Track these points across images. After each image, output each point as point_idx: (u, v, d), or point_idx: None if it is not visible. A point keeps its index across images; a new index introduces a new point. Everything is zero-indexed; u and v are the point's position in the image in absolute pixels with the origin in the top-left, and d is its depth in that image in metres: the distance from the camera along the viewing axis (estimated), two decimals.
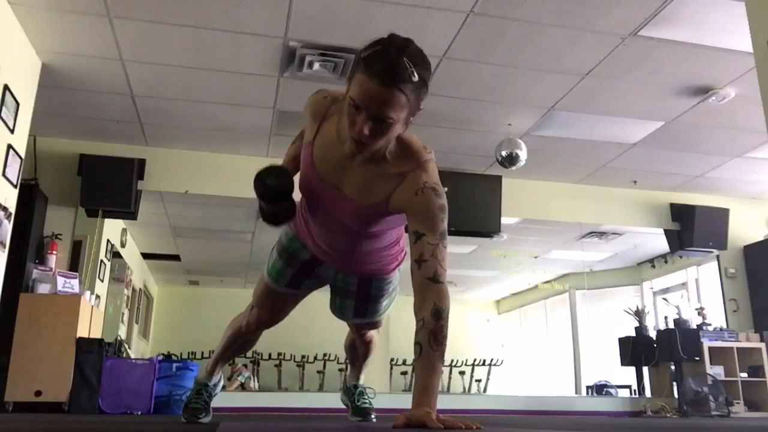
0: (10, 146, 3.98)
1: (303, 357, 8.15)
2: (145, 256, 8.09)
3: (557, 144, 5.65)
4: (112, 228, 6.03)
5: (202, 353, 7.29)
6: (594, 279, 8.24)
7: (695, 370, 5.95)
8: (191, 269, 9.09)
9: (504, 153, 5.21)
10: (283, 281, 1.99)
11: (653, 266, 7.96)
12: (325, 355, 8.03)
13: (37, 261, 4.93)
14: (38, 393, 4.36)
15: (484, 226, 6.20)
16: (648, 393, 6.50)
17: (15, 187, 4.15)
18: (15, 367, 4.38)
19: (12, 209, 4.11)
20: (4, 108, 3.81)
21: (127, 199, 5.39)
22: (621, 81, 4.54)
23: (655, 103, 4.86)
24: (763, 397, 5.94)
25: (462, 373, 8.99)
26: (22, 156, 4.20)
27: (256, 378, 7.85)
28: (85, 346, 4.57)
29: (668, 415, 5.98)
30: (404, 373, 7.77)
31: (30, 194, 4.85)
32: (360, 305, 2.01)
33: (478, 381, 8.99)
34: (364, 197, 1.60)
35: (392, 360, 7.17)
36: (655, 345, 6.43)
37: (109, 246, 5.95)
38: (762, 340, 6.10)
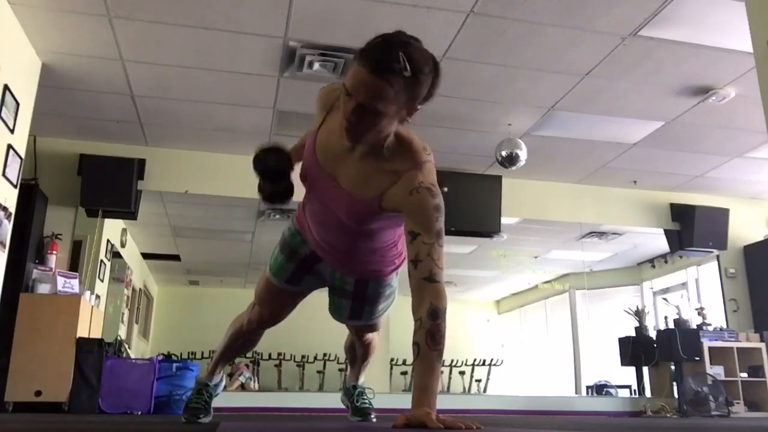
0: (10, 146, 3.98)
1: (303, 357, 8.15)
2: (145, 256, 8.09)
3: (557, 144, 5.65)
4: (112, 228, 6.03)
5: (202, 353, 7.29)
6: (594, 279, 8.25)
7: (695, 370, 5.95)
8: (191, 269, 9.09)
9: (504, 153, 5.22)
10: (284, 276, 1.99)
11: (653, 266, 7.96)
12: (325, 355, 8.04)
13: (37, 261, 4.93)
14: (38, 393, 4.36)
15: (484, 226, 6.21)
16: (648, 393, 6.50)
17: (15, 187, 4.15)
18: (15, 367, 4.38)
19: (12, 209, 4.11)
20: (4, 108, 3.81)
21: (127, 199, 5.39)
22: (621, 81, 4.54)
23: (655, 103, 4.86)
24: (763, 397, 5.94)
25: (462, 373, 8.99)
26: (22, 156, 4.20)
27: (256, 378, 7.85)
28: (85, 346, 4.57)
29: (668, 415, 5.98)
30: (404, 373, 7.77)
31: (30, 194, 4.85)
32: (356, 306, 2.01)
33: (478, 381, 8.99)
34: (358, 190, 1.60)
35: (392, 360, 7.17)
36: (655, 345, 6.43)
37: (109, 246, 5.95)
38: (762, 340, 6.10)
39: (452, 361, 8.94)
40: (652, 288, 8.07)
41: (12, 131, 3.99)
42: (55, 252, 5.06)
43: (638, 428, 2.29)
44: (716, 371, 5.90)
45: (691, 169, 6.23)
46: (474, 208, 6.10)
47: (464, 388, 8.89)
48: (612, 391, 7.12)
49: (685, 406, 5.84)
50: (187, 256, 8.41)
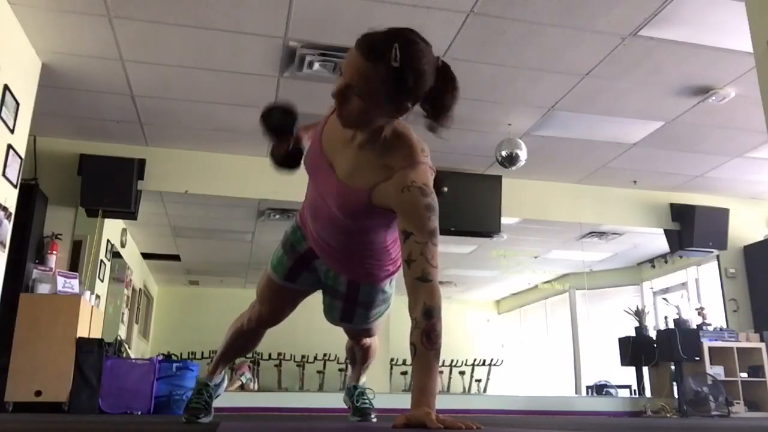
0: (10, 146, 3.98)
1: (303, 357, 8.14)
2: (145, 256, 8.09)
3: (557, 144, 5.65)
4: (112, 228, 6.03)
5: (202, 353, 7.29)
6: (594, 279, 8.25)
7: (695, 370, 5.95)
8: (191, 269, 9.09)
9: (504, 153, 5.21)
10: (282, 271, 2.00)
11: (653, 266, 7.96)
12: (325, 355, 8.03)
13: (37, 261, 4.93)
14: (38, 393, 4.36)
15: (484, 226, 6.21)
16: (648, 393, 6.50)
17: (15, 187, 4.15)
18: (15, 367, 4.38)
19: (12, 209, 4.11)
20: (4, 108, 3.81)
21: (127, 199, 5.39)
22: (621, 81, 4.54)
23: (655, 103, 4.86)
24: (763, 397, 5.94)
25: (462, 373, 8.99)
26: (22, 156, 4.20)
27: (256, 379, 7.85)
28: (85, 346, 4.57)
29: (668, 415, 5.98)
30: (404, 373, 7.76)
31: (30, 194, 4.85)
32: (347, 308, 1.99)
33: (478, 381, 8.99)
34: (350, 180, 1.60)
35: (392, 360, 7.16)
36: (655, 345, 6.43)
37: (109, 246, 5.95)
38: (762, 340, 6.10)
39: (452, 361, 8.94)
40: (652, 288, 8.07)
41: (12, 131, 3.99)
42: (55, 252, 5.06)
43: (638, 428, 2.29)
44: (716, 371, 5.90)
45: (691, 169, 6.23)
46: (474, 208, 6.10)
47: (464, 388, 8.89)
48: (612, 391, 7.13)
49: (685, 406, 5.84)
50: (187, 256, 8.41)
